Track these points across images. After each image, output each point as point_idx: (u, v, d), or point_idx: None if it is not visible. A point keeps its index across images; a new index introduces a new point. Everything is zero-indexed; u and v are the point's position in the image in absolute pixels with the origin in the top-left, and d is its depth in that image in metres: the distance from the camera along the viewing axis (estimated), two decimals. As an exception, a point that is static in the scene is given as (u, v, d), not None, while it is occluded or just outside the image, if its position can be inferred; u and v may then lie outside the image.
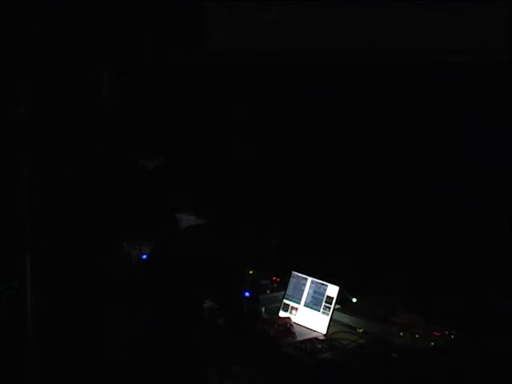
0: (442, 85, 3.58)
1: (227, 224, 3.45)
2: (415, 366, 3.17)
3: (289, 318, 3.67)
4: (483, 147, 3.50)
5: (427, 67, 3.61)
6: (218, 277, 3.26)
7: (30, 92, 4.13)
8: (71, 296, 4.19)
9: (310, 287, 3.74)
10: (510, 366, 3.25)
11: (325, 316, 3.59)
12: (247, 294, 3.79)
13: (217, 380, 3.56)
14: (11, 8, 4.02)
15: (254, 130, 4.50)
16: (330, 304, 3.58)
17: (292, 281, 3.85)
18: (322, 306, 3.62)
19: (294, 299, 3.80)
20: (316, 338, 3.48)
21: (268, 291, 3.95)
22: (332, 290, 3.62)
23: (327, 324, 3.55)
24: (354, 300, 3.83)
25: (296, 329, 3.57)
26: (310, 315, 3.68)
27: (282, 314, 3.80)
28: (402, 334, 3.39)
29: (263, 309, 3.82)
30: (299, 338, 3.48)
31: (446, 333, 3.39)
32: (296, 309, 3.76)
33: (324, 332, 3.54)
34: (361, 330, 3.51)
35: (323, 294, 3.65)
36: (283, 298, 3.85)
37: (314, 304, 3.68)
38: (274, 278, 4.15)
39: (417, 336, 3.36)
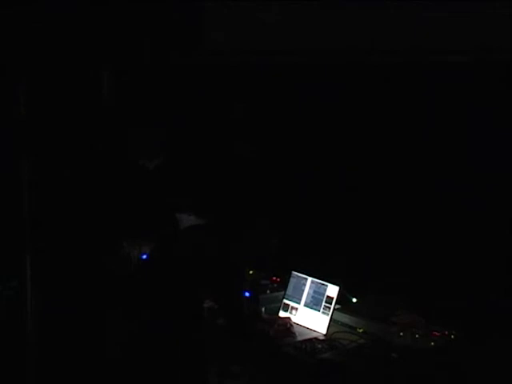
0: (442, 85, 3.58)
1: (227, 224, 3.45)
2: (415, 366, 3.17)
3: (289, 318, 3.67)
4: (483, 147, 3.50)
5: (427, 67, 3.61)
6: (218, 277, 3.26)
7: (29, 92, 4.13)
8: (71, 296, 4.19)
9: (309, 287, 3.74)
10: (510, 365, 3.25)
11: (325, 316, 3.59)
12: (247, 294, 3.79)
13: (217, 380, 3.56)
14: (11, 8, 4.02)
15: (253, 129, 4.50)
16: (330, 304, 3.58)
17: (292, 281, 3.85)
18: (322, 306, 3.62)
19: (294, 299, 3.80)
20: (316, 338, 3.48)
21: (268, 291, 3.95)
22: (332, 290, 3.62)
23: (327, 324, 3.55)
24: (354, 300, 3.83)
25: (296, 329, 3.57)
26: (309, 315, 3.68)
27: (282, 314, 3.80)
28: (401, 334, 3.39)
29: (263, 309, 3.82)
30: (299, 338, 3.48)
31: (446, 333, 3.39)
32: (296, 309, 3.76)
33: (324, 332, 3.54)
34: (361, 330, 3.51)
35: (323, 294, 3.65)
36: (283, 298, 3.85)
37: (313, 304, 3.68)
38: (274, 278, 4.15)
39: (417, 336, 3.36)
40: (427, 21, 3.57)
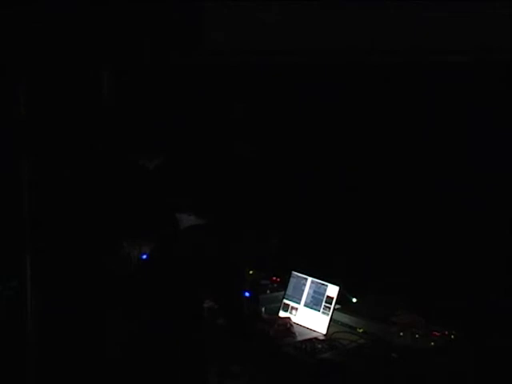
0: (442, 85, 3.58)
1: (227, 224, 3.45)
2: (415, 366, 3.17)
3: (289, 318, 3.67)
4: (483, 147, 3.50)
5: (427, 67, 3.61)
6: (218, 277, 3.26)
7: (30, 92, 4.13)
8: (71, 296, 4.19)
9: (310, 287, 3.74)
10: (510, 365, 3.25)
11: (325, 316, 3.59)
12: (247, 294, 3.79)
13: (217, 380, 3.56)
14: (11, 8, 4.02)
15: (253, 129, 4.50)
16: (330, 304, 3.58)
17: (292, 281, 3.85)
18: (322, 306, 3.62)
19: (294, 299, 3.80)
20: (316, 338, 3.48)
21: (268, 291, 3.95)
22: (332, 290, 3.62)
23: (327, 324, 3.55)
24: (354, 300, 3.83)
25: (296, 329, 3.57)
26: (310, 315, 3.68)
27: (282, 314, 3.80)
28: (401, 334, 3.39)
29: (263, 309, 3.82)
30: (299, 338, 3.48)
31: (446, 333, 3.39)
32: (296, 309, 3.76)
33: (324, 332, 3.54)
34: (361, 330, 3.51)
35: (323, 294, 3.65)
36: (283, 298, 3.85)
37: (313, 304, 3.68)
38: (274, 278, 4.15)
39: (417, 336, 3.36)
40: (427, 21, 3.57)
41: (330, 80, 4.00)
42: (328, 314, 3.57)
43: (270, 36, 4.01)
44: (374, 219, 3.97)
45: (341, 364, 3.17)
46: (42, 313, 4.24)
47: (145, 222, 4.29)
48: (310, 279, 3.76)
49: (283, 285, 3.92)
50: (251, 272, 4.21)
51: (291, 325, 3.56)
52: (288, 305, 3.81)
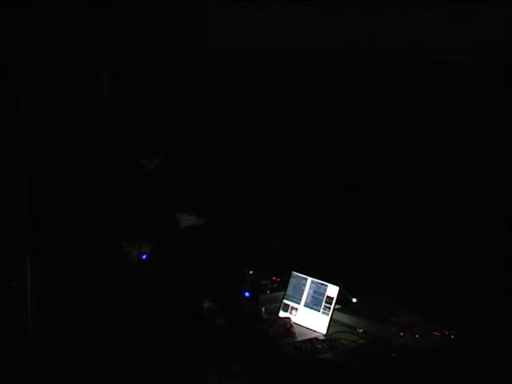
0: (442, 85, 3.58)
1: (227, 224, 3.45)
2: (415, 366, 3.17)
3: (289, 318, 3.67)
4: (483, 147, 3.50)
5: (427, 67, 3.61)
6: (218, 277, 3.26)
7: (30, 92, 4.13)
8: (71, 296, 4.19)
9: (310, 287, 3.74)
10: (510, 366, 3.25)
11: (325, 316, 3.59)
12: (247, 294, 3.79)
13: (217, 380, 3.56)
14: (11, 8, 4.02)
15: (253, 129, 4.50)
16: (330, 304, 3.58)
17: (292, 281, 3.85)
18: (322, 306, 3.62)
19: (294, 299, 3.80)
20: (316, 338, 3.48)
21: (268, 291, 3.95)
22: (332, 290, 3.62)
23: (327, 324, 3.55)
24: (354, 300, 3.83)
25: (296, 329, 3.57)
26: (309, 315, 3.68)
27: (282, 314, 3.80)
28: (402, 334, 3.39)
29: (263, 309, 3.82)
30: (299, 338, 3.48)
31: (446, 333, 3.39)
32: (296, 309, 3.76)
33: (324, 332, 3.54)
34: (361, 330, 3.51)
35: (323, 294, 3.65)
36: (283, 298, 3.85)
37: (314, 304, 3.68)
38: (274, 278, 4.15)
39: (417, 336, 3.36)
40: (427, 21, 3.57)
41: (330, 80, 4.00)
42: (328, 314, 3.57)
43: (270, 36, 4.01)
44: (374, 219, 3.97)
45: (341, 364, 3.17)
46: (41, 313, 4.25)
47: (145, 221, 4.29)
48: (309, 279, 3.76)
49: (283, 285, 3.92)
50: (251, 272, 4.21)
51: (291, 325, 3.56)
52: (288, 305, 3.81)
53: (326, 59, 3.90)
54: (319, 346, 3.36)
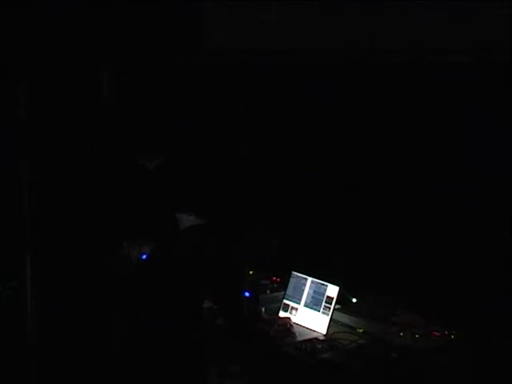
0: (442, 85, 3.58)
1: (227, 224, 3.45)
2: (415, 366, 3.17)
3: (289, 318, 3.67)
4: (483, 147, 3.50)
5: (427, 67, 3.61)
6: (218, 277, 3.26)
7: (29, 92, 4.13)
8: (71, 296, 4.19)
9: (310, 287, 3.74)
10: (510, 366, 3.25)
11: (325, 316, 3.59)
12: (247, 294, 3.79)
13: (217, 380, 3.56)
14: (11, 8, 4.02)
15: (254, 129, 4.50)
16: (330, 304, 3.58)
17: (292, 281, 3.85)
18: (322, 306, 3.62)
19: (294, 299, 3.80)
20: (316, 338, 3.48)
21: (268, 291, 3.95)
22: (332, 290, 3.62)
23: (327, 324, 3.55)
24: (354, 300, 3.83)
25: (296, 329, 3.57)
26: (310, 315, 3.68)
27: (282, 314, 3.80)
28: (401, 334, 3.39)
29: (263, 309, 3.82)
30: (299, 338, 3.48)
31: (446, 333, 3.39)
32: (296, 309, 3.76)
33: (324, 332, 3.54)
34: (361, 330, 3.51)
35: (323, 294, 3.65)
36: (283, 298, 3.85)
37: (314, 304, 3.68)
38: (274, 278, 4.15)
39: (417, 336, 3.36)
40: (427, 21, 3.57)
41: (330, 80, 4.00)
42: (328, 314, 3.57)
43: (270, 36, 4.01)
44: (374, 219, 3.97)
45: (341, 364, 3.17)
46: (42, 313, 4.24)
47: (145, 221, 4.29)
48: (309, 279, 3.76)
49: (283, 285, 3.92)
50: (251, 272, 4.21)
51: (291, 325, 3.56)
52: (288, 305, 3.81)
53: (326, 59, 3.90)
54: (319, 346, 3.36)
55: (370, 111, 3.96)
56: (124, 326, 3.55)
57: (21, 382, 4.26)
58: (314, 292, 3.71)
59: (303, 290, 3.76)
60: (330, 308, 3.58)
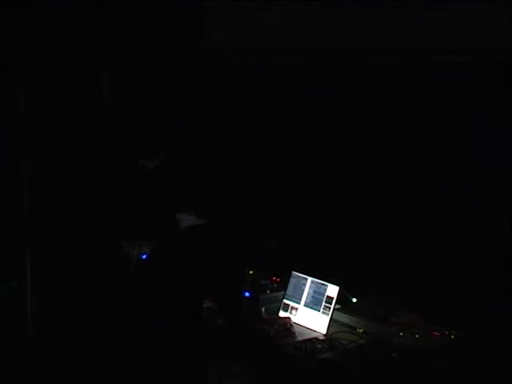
0: (442, 85, 3.58)
1: (227, 224, 3.45)
2: (415, 366, 3.17)
3: (289, 318, 3.67)
4: (483, 147, 3.50)
5: (427, 67, 3.61)
6: (218, 277, 3.26)
7: (30, 92, 4.13)
8: (71, 296, 4.19)
9: (310, 287, 3.74)
10: (510, 366, 3.25)
11: (325, 316, 3.59)
12: (247, 294, 3.79)
13: (217, 380, 3.56)
14: (11, 8, 4.02)
15: (254, 129, 4.50)
16: (330, 304, 3.58)
17: (292, 281, 3.85)
18: (322, 306, 3.62)
19: (294, 299, 3.80)
20: (316, 338, 3.48)
21: (268, 291, 3.95)
22: (332, 290, 3.62)
23: (327, 324, 3.55)
24: (354, 300, 3.83)
25: (296, 329, 3.57)
26: (310, 315, 3.68)
27: (282, 314, 3.80)
28: (401, 334, 3.39)
29: (263, 309, 3.82)
30: (299, 338, 3.48)
31: (446, 333, 3.39)
32: (296, 309, 3.76)
33: (324, 332, 3.54)
34: (361, 330, 3.51)
35: (323, 294, 3.65)
36: (283, 298, 3.85)
37: (314, 304, 3.68)
38: (274, 278, 4.15)
39: (417, 336, 3.36)
40: (427, 21, 3.57)
41: (330, 80, 4.00)
42: (328, 314, 3.57)
43: (270, 36, 4.01)
44: (374, 219, 3.97)
45: (341, 364, 3.17)
46: (42, 313, 4.24)
47: (145, 221, 4.29)
48: (309, 279, 3.76)
49: (283, 285, 3.92)
50: (251, 272, 4.21)
51: (291, 325, 3.56)
52: (288, 305, 3.81)
53: (326, 59, 3.90)
54: (319, 345, 3.36)
55: (370, 111, 3.96)
56: (124, 326, 3.55)
57: (21, 382, 4.26)
58: (314, 292, 3.71)
59: (303, 290, 3.77)
60: (329, 308, 3.58)
